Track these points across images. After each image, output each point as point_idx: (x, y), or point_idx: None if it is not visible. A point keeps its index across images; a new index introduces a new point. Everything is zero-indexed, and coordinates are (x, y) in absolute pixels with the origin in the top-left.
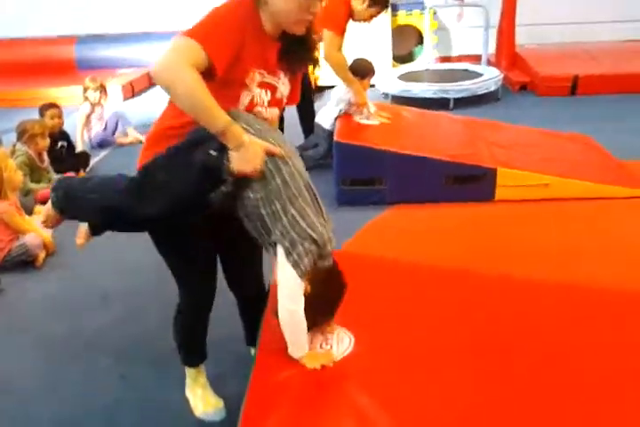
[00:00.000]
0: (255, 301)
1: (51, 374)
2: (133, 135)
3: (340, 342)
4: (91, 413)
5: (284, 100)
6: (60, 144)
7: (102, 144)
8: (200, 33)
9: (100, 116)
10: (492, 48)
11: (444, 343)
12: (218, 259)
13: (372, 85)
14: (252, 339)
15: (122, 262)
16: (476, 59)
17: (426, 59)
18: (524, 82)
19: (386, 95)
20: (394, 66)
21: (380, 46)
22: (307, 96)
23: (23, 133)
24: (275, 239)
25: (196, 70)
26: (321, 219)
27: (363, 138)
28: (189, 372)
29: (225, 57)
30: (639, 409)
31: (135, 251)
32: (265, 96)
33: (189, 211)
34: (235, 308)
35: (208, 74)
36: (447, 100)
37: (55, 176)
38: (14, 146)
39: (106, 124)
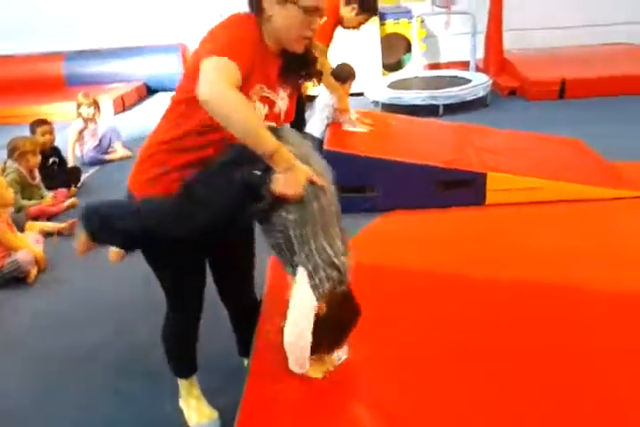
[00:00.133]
0: (248, 311)
1: (44, 390)
2: (122, 151)
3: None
4: None
5: (282, 117)
6: (51, 160)
7: (93, 162)
8: (230, 50)
9: (94, 132)
10: (480, 54)
11: (440, 349)
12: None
13: (361, 93)
14: (245, 350)
15: (112, 277)
16: (465, 65)
17: (415, 66)
18: (512, 87)
19: (376, 103)
20: (383, 74)
21: (369, 55)
22: (298, 106)
23: (14, 151)
24: (298, 261)
25: (239, 91)
26: (344, 247)
27: (352, 146)
28: (182, 383)
29: (247, 71)
30: (636, 409)
31: (124, 265)
32: (263, 110)
33: (224, 226)
34: (226, 320)
35: None
36: (436, 106)
37: (47, 193)
38: (5, 163)
39: (100, 141)
